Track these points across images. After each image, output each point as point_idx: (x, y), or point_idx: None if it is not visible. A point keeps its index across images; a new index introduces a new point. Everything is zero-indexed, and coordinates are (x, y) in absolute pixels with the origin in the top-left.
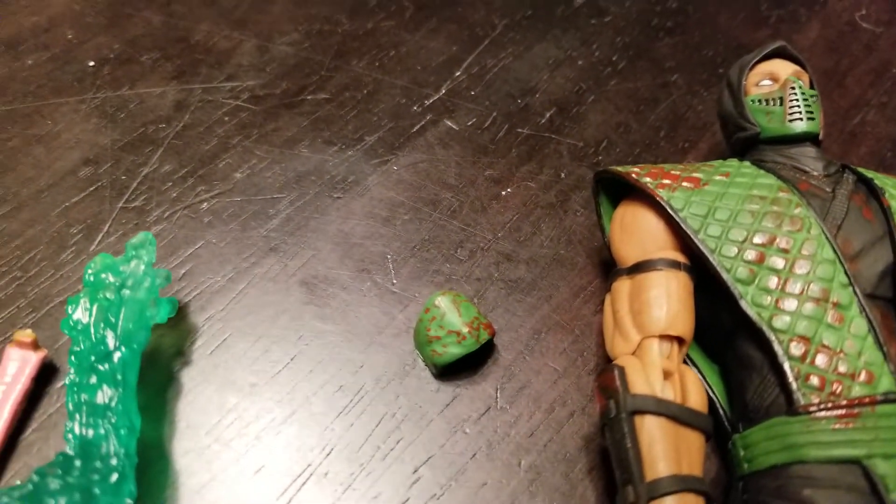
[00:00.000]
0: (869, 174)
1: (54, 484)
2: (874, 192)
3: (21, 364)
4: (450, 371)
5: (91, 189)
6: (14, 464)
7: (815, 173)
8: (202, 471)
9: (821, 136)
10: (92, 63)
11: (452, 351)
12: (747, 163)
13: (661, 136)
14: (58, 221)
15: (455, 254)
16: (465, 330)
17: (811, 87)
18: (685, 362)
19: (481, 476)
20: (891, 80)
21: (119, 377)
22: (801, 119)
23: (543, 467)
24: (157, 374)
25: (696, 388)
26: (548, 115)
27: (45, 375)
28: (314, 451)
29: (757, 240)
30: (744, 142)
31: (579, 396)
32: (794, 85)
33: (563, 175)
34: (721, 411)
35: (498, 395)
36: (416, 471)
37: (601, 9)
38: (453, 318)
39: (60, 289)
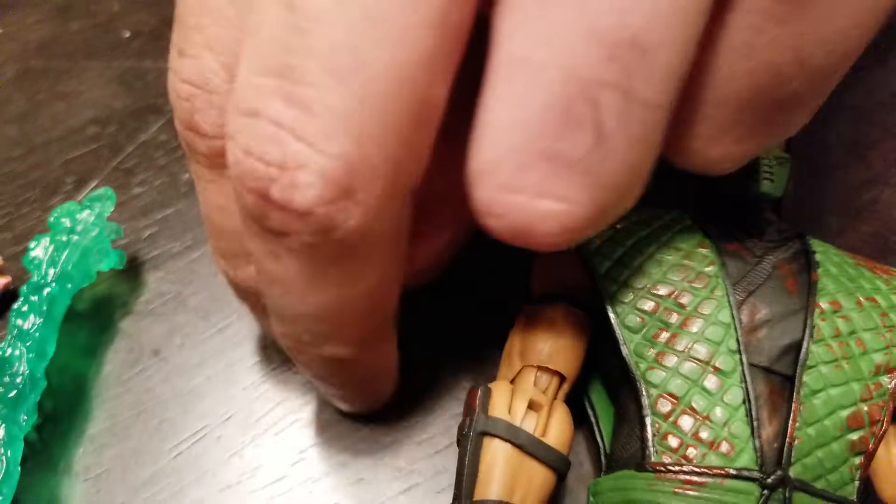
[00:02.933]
0: (820, 248)
1: None
2: (811, 268)
3: None
4: None
5: (93, 147)
6: None
7: (757, 237)
8: (104, 417)
9: (783, 201)
10: (128, 34)
11: None
12: (685, 213)
13: None
14: (58, 171)
15: None
16: None
17: (786, 149)
18: (589, 403)
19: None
20: None
21: (45, 309)
22: (757, 180)
23: None
24: (101, 317)
25: (559, 425)
26: None
27: (7, 301)
28: (210, 416)
29: (657, 290)
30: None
31: None
32: None
33: None
34: (603, 459)
35: None
36: (302, 451)
37: None
38: None
39: (42, 229)
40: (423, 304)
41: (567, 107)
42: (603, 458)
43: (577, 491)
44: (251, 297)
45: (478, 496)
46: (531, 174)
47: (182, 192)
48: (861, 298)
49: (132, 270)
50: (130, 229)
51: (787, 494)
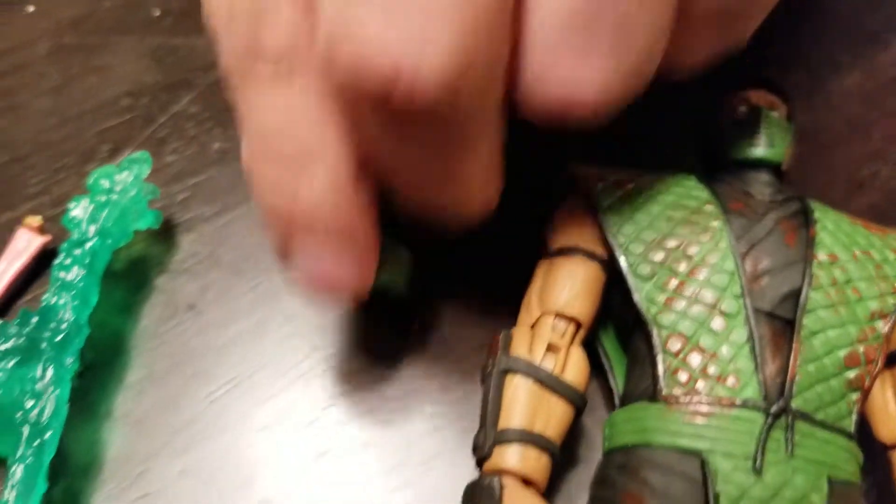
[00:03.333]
0: (819, 208)
1: (11, 329)
2: (809, 224)
3: (26, 244)
4: None
5: (127, 118)
6: None
7: (759, 197)
8: (141, 366)
9: (784, 167)
10: (158, 12)
11: None
12: (692, 176)
13: None
14: (92, 139)
15: None
16: None
17: (788, 119)
18: (602, 352)
19: None
20: None
21: (87, 262)
22: (759, 146)
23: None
24: (137, 275)
25: (576, 366)
26: None
27: (47, 259)
28: (243, 365)
29: (666, 243)
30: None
31: None
32: (760, 113)
33: None
34: (617, 402)
35: None
36: (333, 397)
37: None
38: None
39: (79, 193)
40: (446, 259)
41: None
42: (617, 401)
43: (594, 433)
44: (305, 228)
45: (501, 426)
46: (569, 50)
47: (213, 160)
48: (857, 251)
49: (166, 232)
50: (164, 194)
51: (789, 421)
